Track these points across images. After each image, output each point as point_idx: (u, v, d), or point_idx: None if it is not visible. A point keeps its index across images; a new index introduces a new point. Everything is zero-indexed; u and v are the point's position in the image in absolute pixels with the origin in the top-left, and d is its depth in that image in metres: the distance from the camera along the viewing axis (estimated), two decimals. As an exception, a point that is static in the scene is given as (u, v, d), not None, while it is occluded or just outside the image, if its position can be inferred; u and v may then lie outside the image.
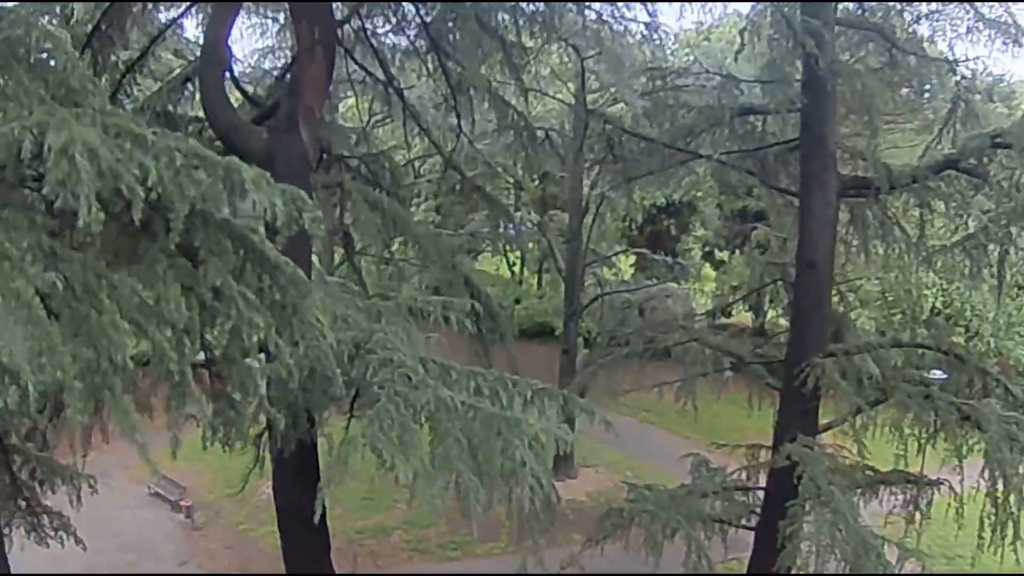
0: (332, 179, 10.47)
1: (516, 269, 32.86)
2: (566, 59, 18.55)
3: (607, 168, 14.81)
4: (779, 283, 14.47)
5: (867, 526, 10.82)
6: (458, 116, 13.02)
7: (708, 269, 33.22)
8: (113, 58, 12.75)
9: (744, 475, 14.00)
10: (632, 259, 32.53)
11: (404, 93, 12.59)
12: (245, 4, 12.74)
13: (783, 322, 31.75)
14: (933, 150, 13.31)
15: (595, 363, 17.25)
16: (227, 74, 10.57)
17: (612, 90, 17.58)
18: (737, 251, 32.67)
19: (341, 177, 10.64)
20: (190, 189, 3.96)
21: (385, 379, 6.70)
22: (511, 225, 24.66)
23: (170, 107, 11.76)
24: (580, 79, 16.96)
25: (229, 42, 10.21)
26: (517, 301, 29.76)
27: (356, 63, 12.05)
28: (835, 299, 15.64)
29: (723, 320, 32.11)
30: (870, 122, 12.07)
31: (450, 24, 11.83)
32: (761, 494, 13.46)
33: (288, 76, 11.72)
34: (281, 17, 15.03)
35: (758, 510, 13.33)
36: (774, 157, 13.72)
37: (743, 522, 13.19)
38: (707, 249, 32.36)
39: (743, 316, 33.05)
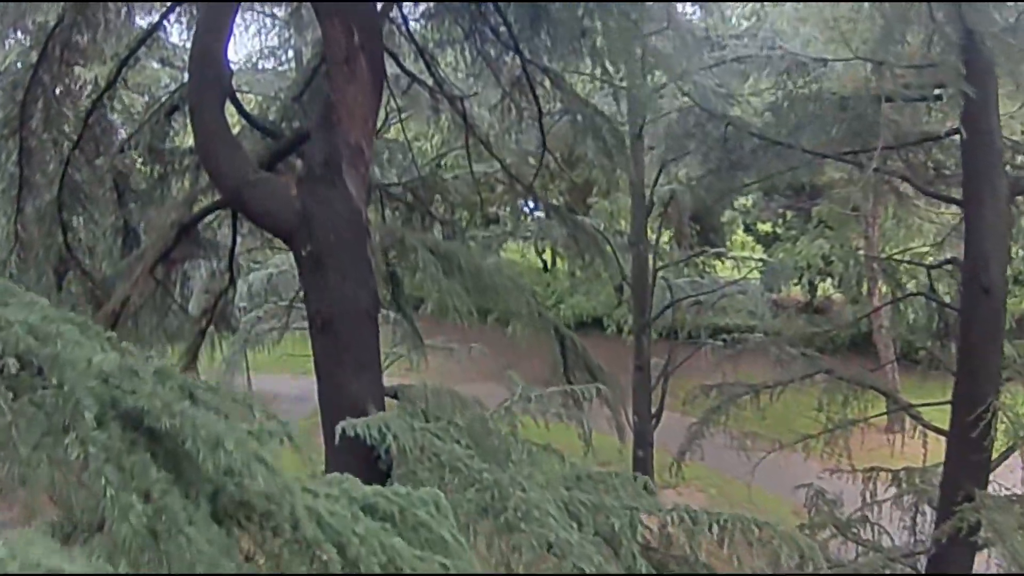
0: (391, 238, 7.68)
1: (546, 258, 30.10)
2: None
3: (720, 175, 12.33)
4: (922, 299, 12.20)
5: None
6: (539, 113, 10.45)
7: (749, 239, 30.72)
8: (92, 73, 10.07)
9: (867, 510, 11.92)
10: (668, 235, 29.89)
11: (465, 103, 9.82)
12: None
13: (837, 297, 29.80)
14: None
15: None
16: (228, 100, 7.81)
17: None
18: (780, 220, 30.12)
19: (400, 231, 7.93)
20: None
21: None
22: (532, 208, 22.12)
23: (155, 143, 9.05)
24: (641, 59, 14.23)
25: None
26: (559, 301, 27.03)
27: (403, 70, 9.19)
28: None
29: (771, 296, 29.79)
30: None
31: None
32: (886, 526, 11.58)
33: (305, 95, 9.05)
34: (280, 10, 12.12)
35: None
36: (896, 154, 11.40)
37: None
38: (749, 222, 29.74)
39: (794, 291, 30.75)
